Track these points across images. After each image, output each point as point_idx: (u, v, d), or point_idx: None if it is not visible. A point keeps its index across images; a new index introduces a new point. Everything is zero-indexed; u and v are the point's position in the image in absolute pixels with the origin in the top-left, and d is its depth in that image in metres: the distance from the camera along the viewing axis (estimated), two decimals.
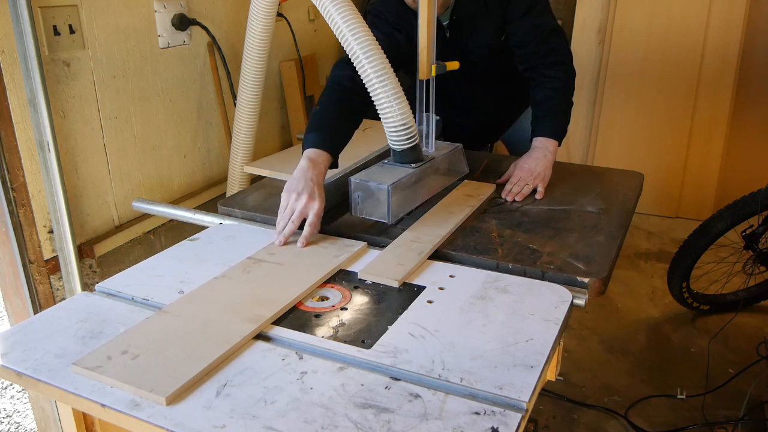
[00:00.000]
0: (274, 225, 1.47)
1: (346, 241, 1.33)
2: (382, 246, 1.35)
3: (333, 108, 1.53)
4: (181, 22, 2.03)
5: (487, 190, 1.59)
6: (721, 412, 2.15)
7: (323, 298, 1.13)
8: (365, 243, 1.33)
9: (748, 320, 2.70)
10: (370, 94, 1.45)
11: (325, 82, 2.93)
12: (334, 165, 1.48)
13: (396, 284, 1.16)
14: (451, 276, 1.19)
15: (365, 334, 1.01)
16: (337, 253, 1.28)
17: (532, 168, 1.62)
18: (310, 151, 1.42)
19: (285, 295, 1.10)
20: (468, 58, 1.81)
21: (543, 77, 1.75)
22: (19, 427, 2.26)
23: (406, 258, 1.24)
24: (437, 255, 1.30)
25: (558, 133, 1.71)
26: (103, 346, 0.96)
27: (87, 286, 1.78)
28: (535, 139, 1.71)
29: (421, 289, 1.14)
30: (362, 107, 1.54)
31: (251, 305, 1.07)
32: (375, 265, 1.23)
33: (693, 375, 2.35)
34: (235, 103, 2.11)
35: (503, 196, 1.59)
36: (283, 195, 1.36)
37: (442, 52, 1.53)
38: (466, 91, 2.04)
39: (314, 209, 1.33)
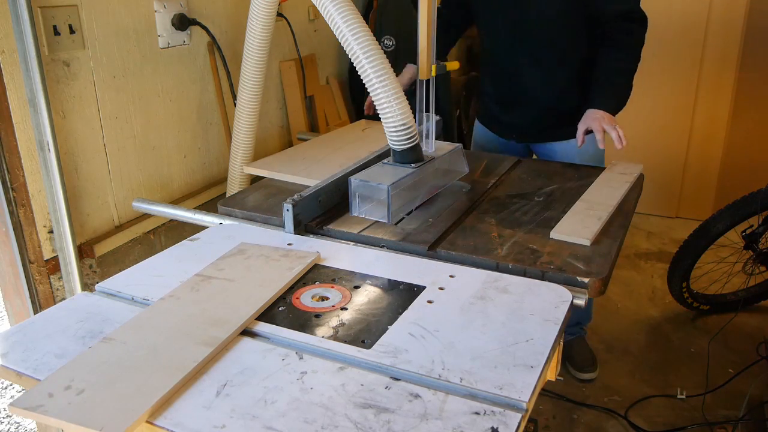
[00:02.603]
0: (274, 225, 1.47)
1: (299, 252, 1.27)
2: (382, 246, 1.35)
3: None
4: (181, 22, 2.03)
5: (635, 169, 1.71)
6: (721, 412, 2.15)
7: (323, 298, 1.13)
8: (318, 253, 1.28)
9: (748, 320, 2.70)
10: (371, 94, 1.45)
11: (325, 82, 2.94)
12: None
13: (587, 243, 1.30)
14: (451, 276, 1.19)
15: (365, 334, 1.01)
16: (290, 265, 1.22)
17: (598, 116, 1.74)
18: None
19: (238, 315, 1.04)
20: (528, 7, 1.82)
21: (611, 40, 1.80)
22: (19, 427, 2.26)
23: (588, 222, 1.38)
24: (438, 255, 1.30)
25: (611, 107, 1.78)
26: (43, 381, 0.87)
27: (87, 286, 1.78)
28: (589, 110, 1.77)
29: (421, 289, 1.14)
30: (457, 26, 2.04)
31: (204, 327, 1.00)
32: (562, 227, 1.36)
33: (693, 375, 2.35)
34: (235, 103, 2.11)
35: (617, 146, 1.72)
36: None
37: None
38: (517, 69, 1.92)
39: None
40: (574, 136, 1.86)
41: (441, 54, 1.84)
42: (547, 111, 2.01)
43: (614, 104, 1.79)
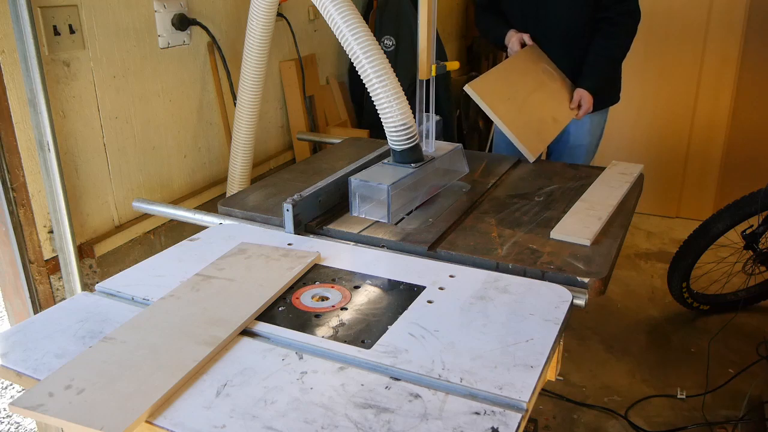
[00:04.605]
0: (274, 225, 1.47)
1: (299, 252, 1.27)
2: (382, 246, 1.35)
3: (489, 18, 2.39)
4: (181, 22, 2.03)
5: (635, 169, 1.75)
6: (721, 412, 2.15)
7: (323, 298, 1.13)
8: (318, 252, 1.28)
9: (748, 320, 2.70)
10: (370, 94, 1.45)
11: (325, 81, 2.94)
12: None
13: (587, 243, 1.30)
14: (451, 276, 1.19)
15: (365, 334, 1.01)
16: (291, 265, 1.21)
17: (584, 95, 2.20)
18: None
19: (239, 314, 1.04)
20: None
21: (604, 30, 2.18)
22: (19, 427, 2.26)
23: (588, 222, 1.39)
24: (438, 255, 1.30)
25: (591, 88, 2.20)
26: (43, 381, 0.88)
27: (87, 286, 1.78)
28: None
29: (421, 289, 1.14)
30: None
31: (204, 326, 1.00)
32: (562, 227, 1.37)
33: (693, 375, 2.35)
34: (235, 103, 2.11)
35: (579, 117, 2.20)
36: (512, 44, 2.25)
37: None
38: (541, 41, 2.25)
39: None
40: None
41: (506, 24, 2.33)
42: None
43: (594, 85, 2.20)
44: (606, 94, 2.35)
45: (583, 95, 2.19)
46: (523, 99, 2.04)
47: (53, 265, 1.73)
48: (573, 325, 2.64)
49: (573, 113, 2.19)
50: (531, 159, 1.88)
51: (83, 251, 1.78)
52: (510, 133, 1.89)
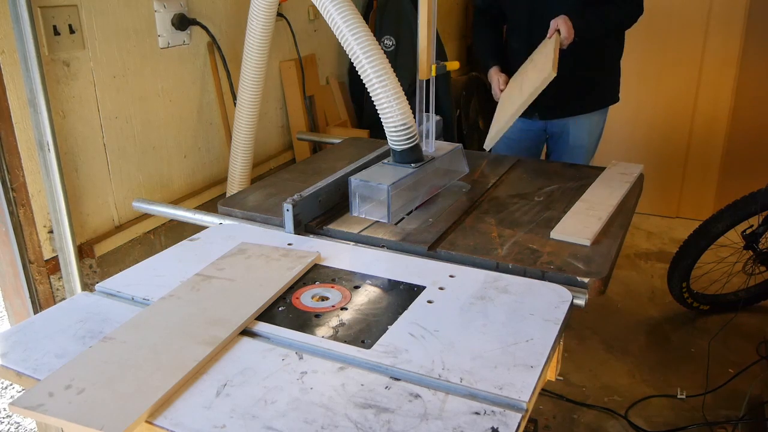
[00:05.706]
0: (274, 225, 1.47)
1: (299, 252, 1.27)
2: (382, 246, 1.35)
3: (484, 35, 2.38)
4: (181, 22, 2.03)
5: (635, 169, 1.74)
6: (721, 412, 2.15)
7: (323, 298, 1.13)
8: (318, 252, 1.28)
9: (748, 320, 2.70)
10: (370, 94, 1.45)
11: (325, 81, 2.94)
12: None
13: (587, 243, 1.30)
14: (451, 276, 1.19)
15: (365, 334, 1.01)
16: (291, 265, 1.22)
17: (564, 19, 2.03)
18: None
19: (239, 314, 1.04)
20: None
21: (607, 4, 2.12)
22: (19, 427, 2.26)
23: (588, 222, 1.39)
24: (438, 255, 1.30)
25: (578, 26, 2.05)
26: (43, 381, 0.88)
27: (87, 286, 1.78)
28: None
29: (421, 289, 1.14)
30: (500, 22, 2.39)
31: (204, 326, 1.00)
32: (562, 227, 1.37)
33: (693, 375, 2.35)
34: (235, 103, 2.11)
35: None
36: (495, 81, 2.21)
37: None
38: (537, 44, 2.15)
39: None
40: (588, 111, 2.30)
41: (496, 52, 2.30)
42: (565, 82, 2.12)
43: (582, 26, 2.04)
44: (604, 90, 2.33)
45: (557, 20, 2.02)
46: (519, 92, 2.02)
47: (53, 265, 1.73)
48: (573, 325, 2.64)
49: (547, 70, 1.96)
50: (487, 146, 1.86)
51: (83, 251, 1.78)
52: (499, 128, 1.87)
